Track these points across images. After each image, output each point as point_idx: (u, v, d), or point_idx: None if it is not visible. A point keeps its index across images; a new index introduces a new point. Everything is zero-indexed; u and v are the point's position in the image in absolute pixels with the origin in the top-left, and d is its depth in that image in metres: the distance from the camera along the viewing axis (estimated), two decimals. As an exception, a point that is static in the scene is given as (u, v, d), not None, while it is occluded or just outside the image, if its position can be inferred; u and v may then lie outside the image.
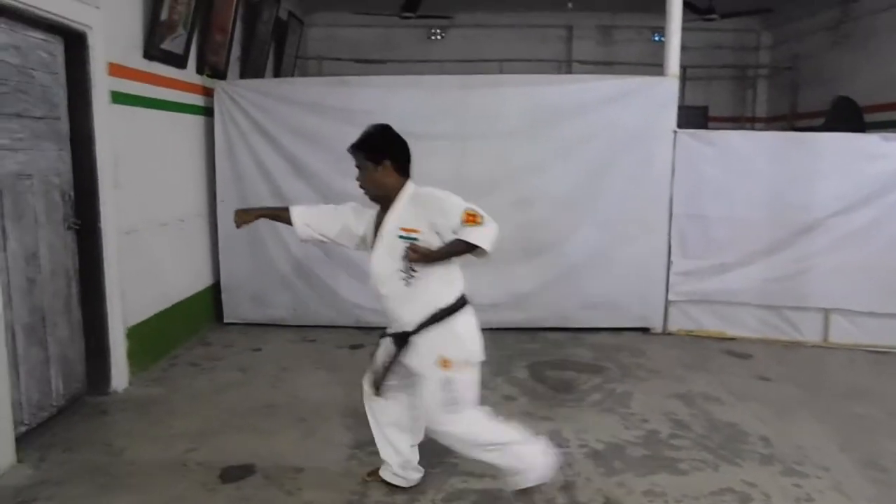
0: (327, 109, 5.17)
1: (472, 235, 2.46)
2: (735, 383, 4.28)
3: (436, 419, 2.61)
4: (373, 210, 2.72)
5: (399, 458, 2.86)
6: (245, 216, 2.87)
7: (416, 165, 5.41)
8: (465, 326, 2.62)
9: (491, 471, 3.06)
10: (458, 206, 2.50)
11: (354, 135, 5.71)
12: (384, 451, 2.88)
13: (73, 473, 3.01)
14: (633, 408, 3.87)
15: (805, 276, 5.11)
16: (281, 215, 2.86)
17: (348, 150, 2.65)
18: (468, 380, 2.59)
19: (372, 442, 3.24)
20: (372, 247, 2.66)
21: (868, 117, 7.14)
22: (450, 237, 2.50)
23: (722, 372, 4.50)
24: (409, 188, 2.64)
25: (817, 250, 5.07)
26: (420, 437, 2.90)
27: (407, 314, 2.61)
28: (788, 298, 5.17)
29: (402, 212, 2.59)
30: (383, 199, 2.65)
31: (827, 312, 5.16)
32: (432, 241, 2.52)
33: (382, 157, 2.60)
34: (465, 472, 3.06)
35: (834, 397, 4.08)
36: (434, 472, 3.06)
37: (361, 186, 2.66)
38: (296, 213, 2.81)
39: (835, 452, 3.32)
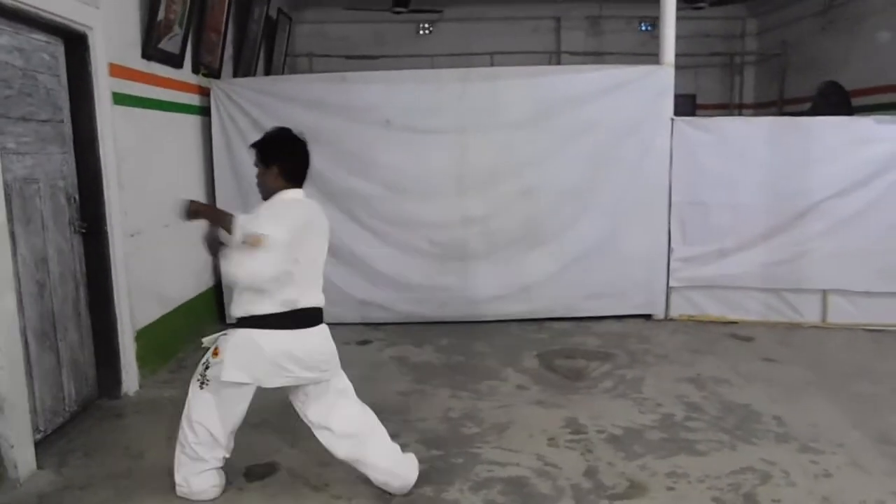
0: (328, 106, 5.15)
1: (229, 257, 2.52)
2: (742, 365, 4.34)
3: (193, 381, 2.79)
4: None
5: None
6: (194, 213, 2.81)
7: (419, 159, 5.46)
8: (257, 344, 2.59)
9: (515, 458, 3.11)
10: (260, 224, 2.49)
11: (357, 131, 5.70)
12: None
13: (96, 478, 2.99)
14: (646, 392, 3.92)
15: (804, 258, 5.18)
16: (222, 222, 2.69)
17: (249, 147, 2.73)
18: (217, 381, 2.67)
19: (393, 435, 3.27)
20: None
21: (856, 101, 7.24)
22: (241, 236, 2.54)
23: (728, 355, 4.57)
24: (286, 195, 2.66)
25: (815, 233, 5.15)
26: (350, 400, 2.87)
27: (234, 306, 2.68)
28: (788, 281, 5.25)
29: (259, 210, 2.65)
30: (267, 200, 2.70)
31: (825, 293, 5.25)
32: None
33: (272, 160, 2.66)
34: (489, 460, 3.10)
35: (839, 376, 4.16)
36: (457, 461, 3.09)
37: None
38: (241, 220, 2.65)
39: (847, 429, 3.39)
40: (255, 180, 2.73)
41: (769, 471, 2.97)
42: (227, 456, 2.82)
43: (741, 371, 4.24)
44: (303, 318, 2.66)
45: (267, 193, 2.70)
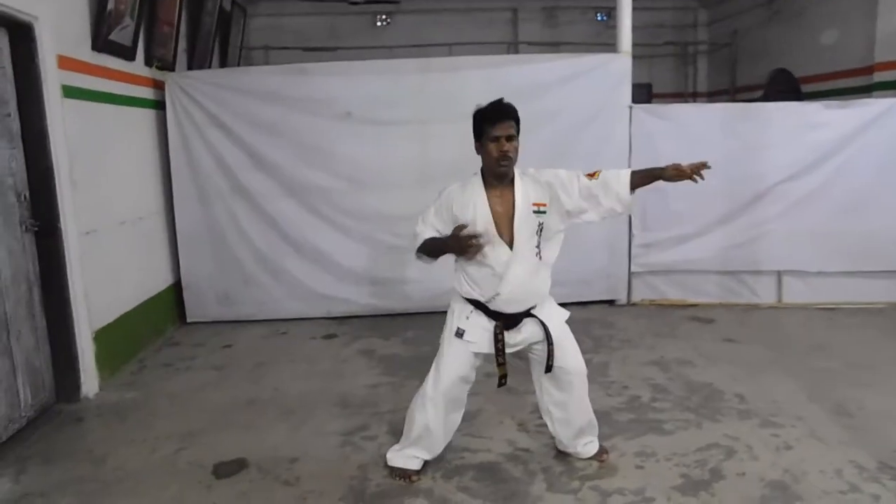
0: (286, 99, 5.07)
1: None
2: (704, 347, 4.45)
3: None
4: (455, 194, 2.68)
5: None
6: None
7: (381, 151, 5.41)
8: None
9: (486, 445, 3.13)
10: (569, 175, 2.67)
11: (317, 124, 5.61)
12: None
13: (57, 485, 2.89)
14: (612, 376, 3.98)
15: (759, 241, 5.33)
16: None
17: (501, 115, 2.70)
18: None
19: (363, 427, 3.27)
20: (497, 227, 2.62)
21: (805, 87, 7.46)
22: (576, 204, 2.69)
23: (690, 337, 4.67)
24: None
25: (769, 216, 5.29)
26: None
27: (539, 288, 2.72)
28: (744, 263, 5.39)
29: (525, 187, 2.64)
30: (509, 174, 2.66)
31: (780, 274, 5.41)
32: (555, 218, 2.65)
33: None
34: (460, 447, 3.11)
35: (796, 353, 4.29)
36: (430, 451, 3.08)
37: (506, 156, 2.63)
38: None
39: (805, 403, 3.50)
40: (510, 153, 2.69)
41: (733, 446, 3.05)
42: None
43: (703, 352, 4.34)
44: None
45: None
